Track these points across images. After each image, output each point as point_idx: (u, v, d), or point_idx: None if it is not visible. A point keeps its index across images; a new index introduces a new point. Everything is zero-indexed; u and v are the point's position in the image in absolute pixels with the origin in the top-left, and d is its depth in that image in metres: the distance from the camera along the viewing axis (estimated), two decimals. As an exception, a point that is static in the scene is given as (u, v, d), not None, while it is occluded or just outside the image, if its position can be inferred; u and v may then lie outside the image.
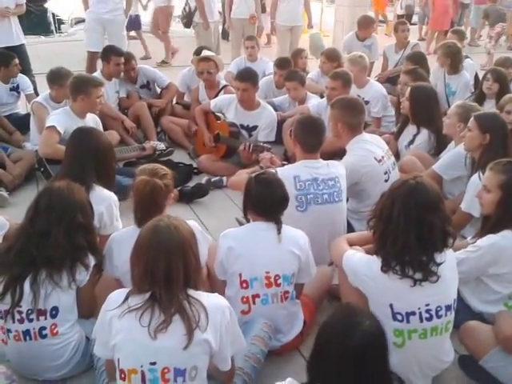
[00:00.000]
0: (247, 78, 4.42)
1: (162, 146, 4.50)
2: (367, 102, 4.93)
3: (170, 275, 1.78)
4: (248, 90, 4.41)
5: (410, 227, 2.05)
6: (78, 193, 2.37)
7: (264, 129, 4.52)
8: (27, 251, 2.22)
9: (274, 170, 2.68)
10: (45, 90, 4.73)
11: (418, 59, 5.34)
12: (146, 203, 2.38)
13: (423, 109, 3.99)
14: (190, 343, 1.73)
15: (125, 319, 1.78)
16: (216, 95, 5.05)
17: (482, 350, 2.28)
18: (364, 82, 5.00)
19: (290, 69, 5.16)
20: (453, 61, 5.23)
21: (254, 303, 2.38)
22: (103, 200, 2.79)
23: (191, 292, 1.83)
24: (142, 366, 1.76)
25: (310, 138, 2.98)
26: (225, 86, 5.18)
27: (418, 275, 2.06)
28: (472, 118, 3.20)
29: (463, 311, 2.49)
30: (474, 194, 2.75)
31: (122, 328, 1.78)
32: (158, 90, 5.64)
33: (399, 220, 2.06)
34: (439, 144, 3.97)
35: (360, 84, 4.96)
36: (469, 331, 2.36)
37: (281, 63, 5.28)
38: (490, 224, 2.52)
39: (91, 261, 2.32)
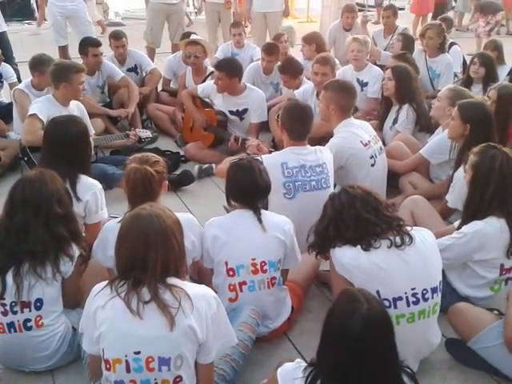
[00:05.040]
0: (221, 67, 4.35)
1: (147, 133, 4.45)
2: (366, 84, 4.97)
3: (147, 263, 1.77)
4: (222, 79, 4.33)
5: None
6: (52, 181, 2.30)
7: (255, 110, 4.49)
8: (7, 246, 2.18)
9: (259, 158, 2.65)
10: (28, 78, 4.64)
11: (408, 39, 5.49)
12: (137, 191, 2.34)
13: (406, 84, 4.04)
14: (173, 327, 1.72)
15: (108, 308, 1.77)
16: (203, 81, 4.99)
17: (471, 331, 2.29)
18: (364, 65, 5.04)
19: (277, 55, 5.14)
20: (444, 40, 5.24)
21: (241, 290, 2.37)
22: (89, 188, 2.77)
23: (174, 281, 1.80)
24: (126, 356, 1.75)
25: (297, 125, 2.96)
26: (212, 72, 5.12)
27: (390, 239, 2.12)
28: (456, 107, 3.18)
29: (450, 295, 2.51)
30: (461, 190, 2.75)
31: (106, 317, 1.77)
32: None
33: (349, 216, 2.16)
34: (421, 116, 4.01)
35: (361, 67, 4.99)
36: (457, 313, 2.37)
37: (268, 49, 5.22)
38: (469, 206, 2.53)
39: (75, 251, 2.28)
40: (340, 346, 1.55)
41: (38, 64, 4.43)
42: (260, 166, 2.47)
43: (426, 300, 2.13)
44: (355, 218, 2.15)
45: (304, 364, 1.68)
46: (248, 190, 2.41)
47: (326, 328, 1.62)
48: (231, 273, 2.37)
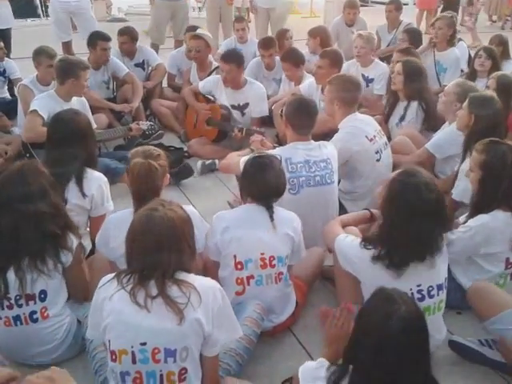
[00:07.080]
0: (230, 59, 4.35)
1: (149, 125, 4.41)
2: (372, 80, 4.95)
3: (159, 264, 1.78)
4: (231, 71, 4.33)
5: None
6: (35, 177, 2.24)
7: (256, 104, 4.48)
8: (2, 248, 2.16)
9: (278, 156, 2.60)
10: (28, 74, 4.64)
11: (414, 34, 5.44)
12: (142, 186, 2.34)
13: (415, 80, 3.99)
14: (182, 321, 1.73)
15: (116, 300, 1.78)
16: (208, 76, 4.97)
17: (492, 310, 2.24)
18: (369, 61, 5.00)
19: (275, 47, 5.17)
20: (454, 32, 5.19)
21: (248, 284, 2.37)
22: (95, 182, 2.78)
23: (182, 275, 1.82)
24: (132, 347, 1.76)
25: (302, 120, 2.96)
26: (217, 67, 5.11)
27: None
28: (468, 98, 3.16)
29: (455, 290, 2.50)
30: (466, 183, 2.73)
31: (113, 309, 1.79)
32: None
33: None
34: (430, 116, 3.97)
35: (366, 63, 4.97)
36: (479, 290, 2.34)
37: (265, 43, 5.22)
38: (478, 204, 2.51)
39: (73, 241, 2.27)
40: (377, 348, 1.51)
41: (35, 54, 4.46)
42: (280, 166, 2.46)
43: (431, 297, 2.13)
44: None
45: (326, 363, 1.66)
46: (268, 189, 2.41)
47: (360, 328, 1.59)
48: (239, 266, 2.37)
